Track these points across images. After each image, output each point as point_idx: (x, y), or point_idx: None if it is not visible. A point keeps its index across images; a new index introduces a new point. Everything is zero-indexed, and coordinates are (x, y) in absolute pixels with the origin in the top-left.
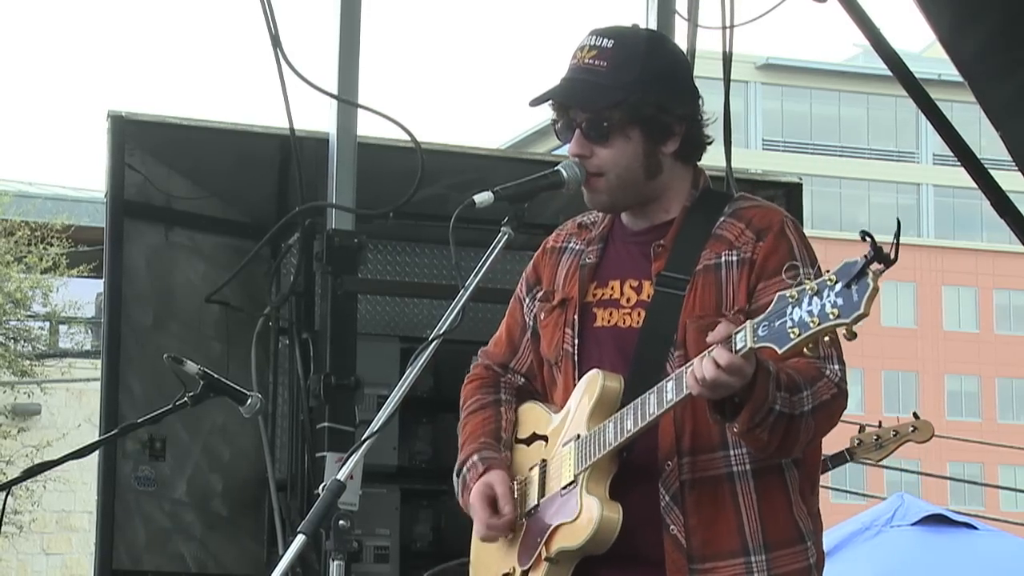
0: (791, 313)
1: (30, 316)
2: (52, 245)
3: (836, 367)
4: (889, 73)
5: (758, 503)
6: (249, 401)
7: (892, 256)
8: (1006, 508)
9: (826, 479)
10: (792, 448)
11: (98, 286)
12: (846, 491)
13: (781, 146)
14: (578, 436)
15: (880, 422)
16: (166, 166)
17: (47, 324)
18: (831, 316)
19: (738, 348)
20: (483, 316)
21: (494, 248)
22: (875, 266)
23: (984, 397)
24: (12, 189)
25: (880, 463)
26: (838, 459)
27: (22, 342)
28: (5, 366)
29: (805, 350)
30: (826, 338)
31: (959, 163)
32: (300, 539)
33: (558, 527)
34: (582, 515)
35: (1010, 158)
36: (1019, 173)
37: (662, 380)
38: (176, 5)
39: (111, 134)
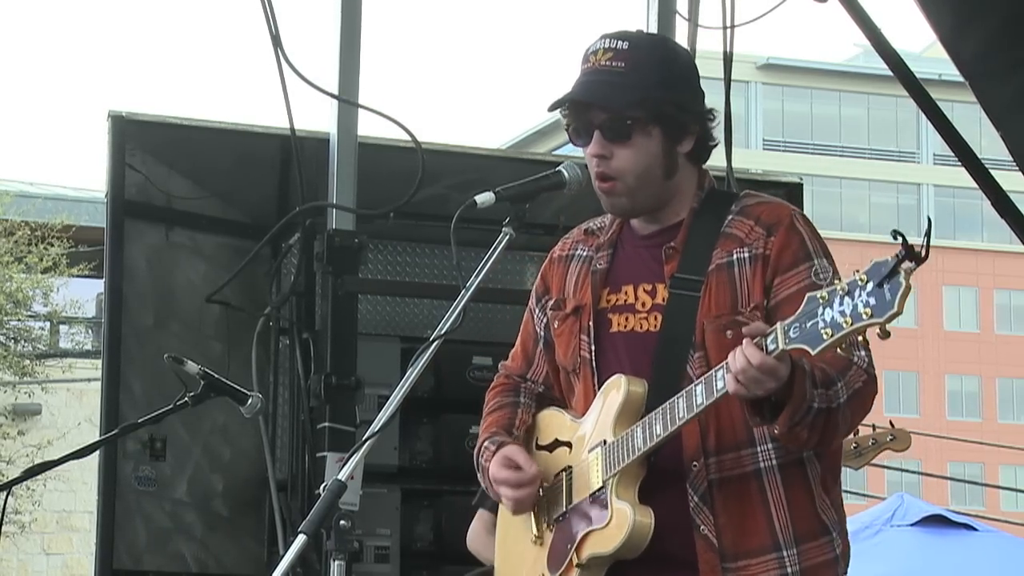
0: (822, 314)
1: (30, 316)
2: (52, 245)
3: (863, 353)
4: (889, 73)
5: (786, 497)
6: (250, 401)
7: (923, 255)
8: (1007, 508)
9: None
10: (832, 440)
11: (98, 286)
12: (846, 491)
13: (781, 146)
14: (604, 442)
15: (858, 430)
16: (166, 166)
17: (47, 324)
18: (864, 316)
19: (770, 350)
20: (484, 316)
21: (495, 248)
22: (906, 264)
23: (984, 397)
24: (12, 189)
25: (873, 464)
26: None
27: (22, 342)
28: (5, 366)
29: (839, 349)
30: (860, 338)
31: (959, 163)
32: (301, 539)
33: (588, 533)
34: (613, 520)
35: (1010, 158)
36: (1019, 173)
37: (683, 383)
38: (176, 5)
39: (111, 134)
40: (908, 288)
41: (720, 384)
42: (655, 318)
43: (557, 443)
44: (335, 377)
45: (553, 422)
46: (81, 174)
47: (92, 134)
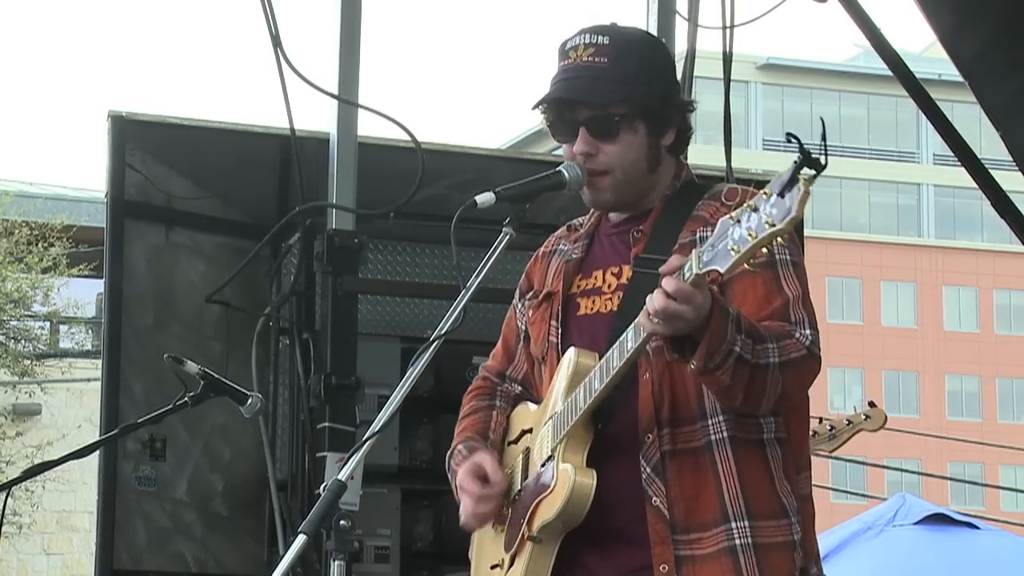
0: (731, 233)
1: (30, 316)
2: (52, 245)
3: (808, 331)
4: (889, 73)
5: (738, 472)
6: (249, 401)
7: (822, 162)
8: (1007, 508)
9: (826, 479)
10: (760, 401)
11: (98, 286)
12: (846, 491)
13: (781, 146)
14: (555, 414)
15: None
16: (166, 166)
17: (47, 324)
18: (767, 226)
19: (686, 277)
20: (484, 316)
21: (496, 248)
22: (806, 171)
23: (984, 397)
24: (12, 189)
25: (834, 454)
26: None
27: (22, 342)
28: (5, 366)
29: (756, 265)
30: (805, 317)
31: (959, 163)
32: (301, 539)
33: (538, 503)
34: (557, 483)
35: (1010, 158)
36: (1019, 173)
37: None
38: (176, 5)
39: (111, 134)
40: (807, 194)
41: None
42: (618, 297)
43: (522, 433)
44: (335, 377)
45: (520, 415)
46: (81, 174)
47: (92, 134)
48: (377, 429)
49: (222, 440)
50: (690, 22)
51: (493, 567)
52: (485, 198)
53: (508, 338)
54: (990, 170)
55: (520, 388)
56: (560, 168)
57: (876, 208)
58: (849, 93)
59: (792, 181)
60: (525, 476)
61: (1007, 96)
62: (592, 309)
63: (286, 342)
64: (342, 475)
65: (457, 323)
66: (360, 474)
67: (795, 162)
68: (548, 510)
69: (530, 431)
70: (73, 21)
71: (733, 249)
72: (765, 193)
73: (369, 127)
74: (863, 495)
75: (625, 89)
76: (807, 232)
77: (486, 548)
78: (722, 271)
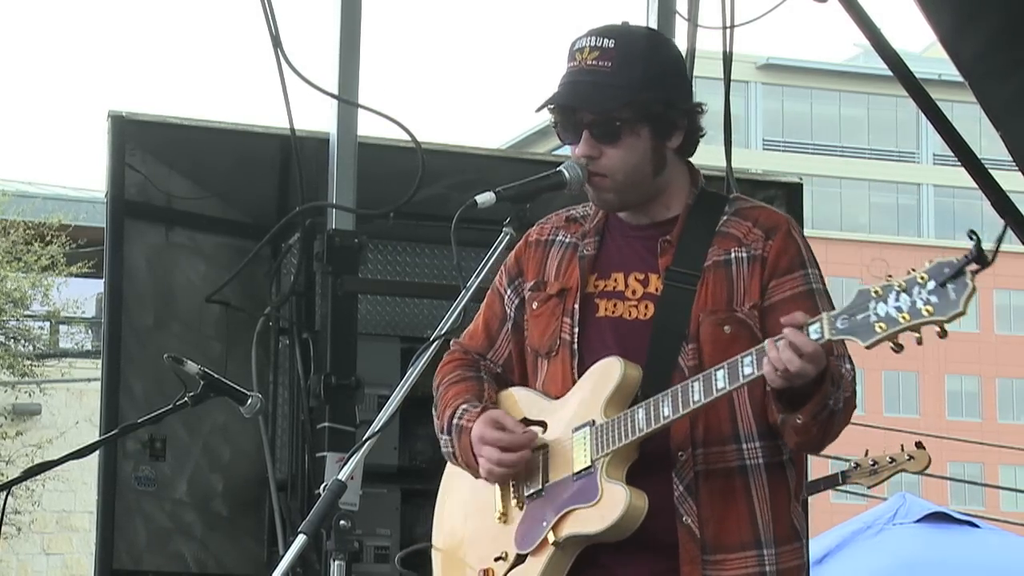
0: (875, 308)
1: (30, 316)
2: (50, 243)
3: (849, 366)
4: (889, 73)
5: (770, 498)
6: (249, 401)
7: (991, 258)
8: (1006, 508)
9: None
10: (824, 445)
11: (98, 285)
12: (846, 491)
13: (781, 146)
14: (593, 422)
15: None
16: (166, 166)
17: (47, 324)
18: (925, 313)
19: (814, 338)
20: None
21: (496, 248)
22: (972, 266)
23: (984, 397)
24: (12, 189)
25: (833, 455)
26: (830, 480)
27: (22, 342)
28: (5, 366)
29: (892, 342)
30: (848, 351)
31: (959, 163)
32: (301, 539)
33: (570, 512)
34: (604, 500)
35: (1010, 158)
36: (1019, 173)
37: (674, 372)
38: (176, 5)
39: (111, 134)
40: (973, 289)
41: (747, 371)
42: (646, 307)
43: (528, 422)
44: (335, 377)
45: (520, 401)
46: (81, 174)
47: (92, 134)
48: (377, 429)
49: (222, 440)
50: (690, 22)
51: (497, 559)
52: (485, 198)
53: (490, 322)
54: (990, 170)
55: (500, 370)
56: (560, 168)
57: (876, 208)
58: (849, 93)
59: (958, 273)
60: (546, 476)
61: (1007, 96)
62: (614, 312)
63: (286, 342)
64: (342, 475)
65: (457, 323)
66: (360, 474)
67: (966, 256)
68: (587, 524)
69: (541, 424)
70: (73, 21)
71: (879, 326)
72: (920, 278)
73: (369, 127)
74: (863, 495)
75: (627, 95)
76: (807, 232)
77: (482, 533)
78: (863, 345)
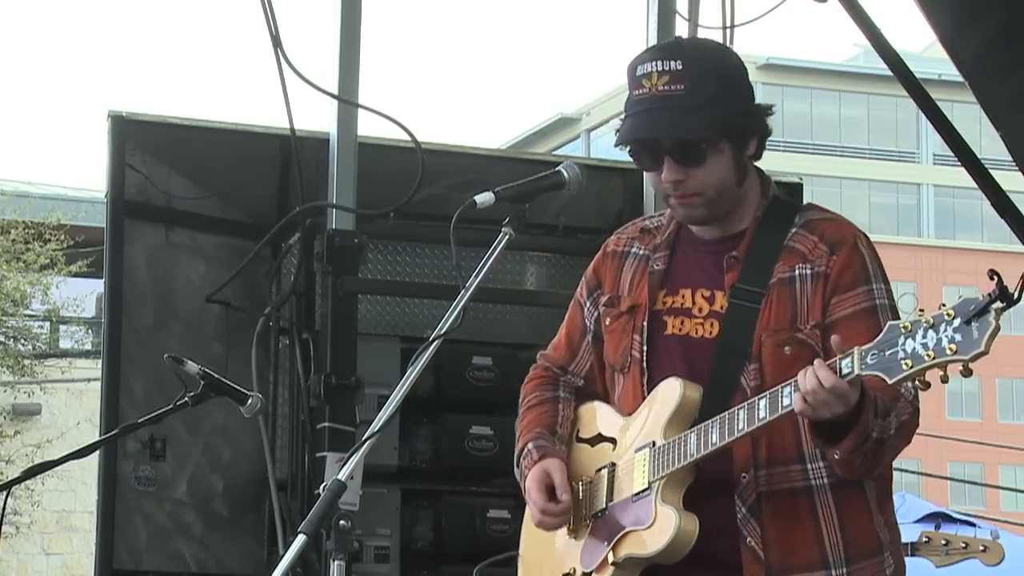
0: (903, 344)
1: (30, 316)
2: (49, 241)
3: (910, 384)
4: (889, 73)
5: (838, 516)
6: (249, 401)
7: (1017, 296)
8: (1006, 508)
9: None
10: (874, 470)
11: (97, 284)
12: None
13: (781, 146)
14: (653, 443)
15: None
16: (166, 166)
17: (47, 324)
18: (948, 351)
19: (843, 373)
20: (484, 316)
21: (495, 248)
22: (997, 304)
23: (984, 397)
24: (11, 189)
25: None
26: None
27: (22, 341)
28: (5, 366)
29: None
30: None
31: (959, 163)
32: (301, 539)
33: (628, 533)
34: (657, 523)
35: (1010, 158)
36: (1019, 173)
37: (736, 392)
38: (176, 5)
39: (111, 134)
40: (997, 328)
41: (786, 401)
42: (711, 325)
43: (601, 438)
44: (335, 377)
45: (598, 416)
46: (81, 174)
47: (92, 134)
48: (377, 429)
49: (222, 440)
50: (690, 22)
51: (566, 574)
52: (485, 198)
53: (572, 334)
54: (990, 170)
55: (583, 382)
56: (559, 168)
57: (876, 208)
58: (849, 93)
59: (982, 312)
60: (611, 496)
61: (1007, 96)
62: (681, 330)
63: (286, 342)
64: (342, 475)
65: (457, 323)
66: (360, 474)
67: (990, 294)
68: (642, 547)
69: (612, 441)
70: (73, 21)
71: (905, 363)
72: (948, 313)
73: (369, 127)
74: None
75: (707, 115)
76: None
77: (556, 547)
78: (889, 382)
